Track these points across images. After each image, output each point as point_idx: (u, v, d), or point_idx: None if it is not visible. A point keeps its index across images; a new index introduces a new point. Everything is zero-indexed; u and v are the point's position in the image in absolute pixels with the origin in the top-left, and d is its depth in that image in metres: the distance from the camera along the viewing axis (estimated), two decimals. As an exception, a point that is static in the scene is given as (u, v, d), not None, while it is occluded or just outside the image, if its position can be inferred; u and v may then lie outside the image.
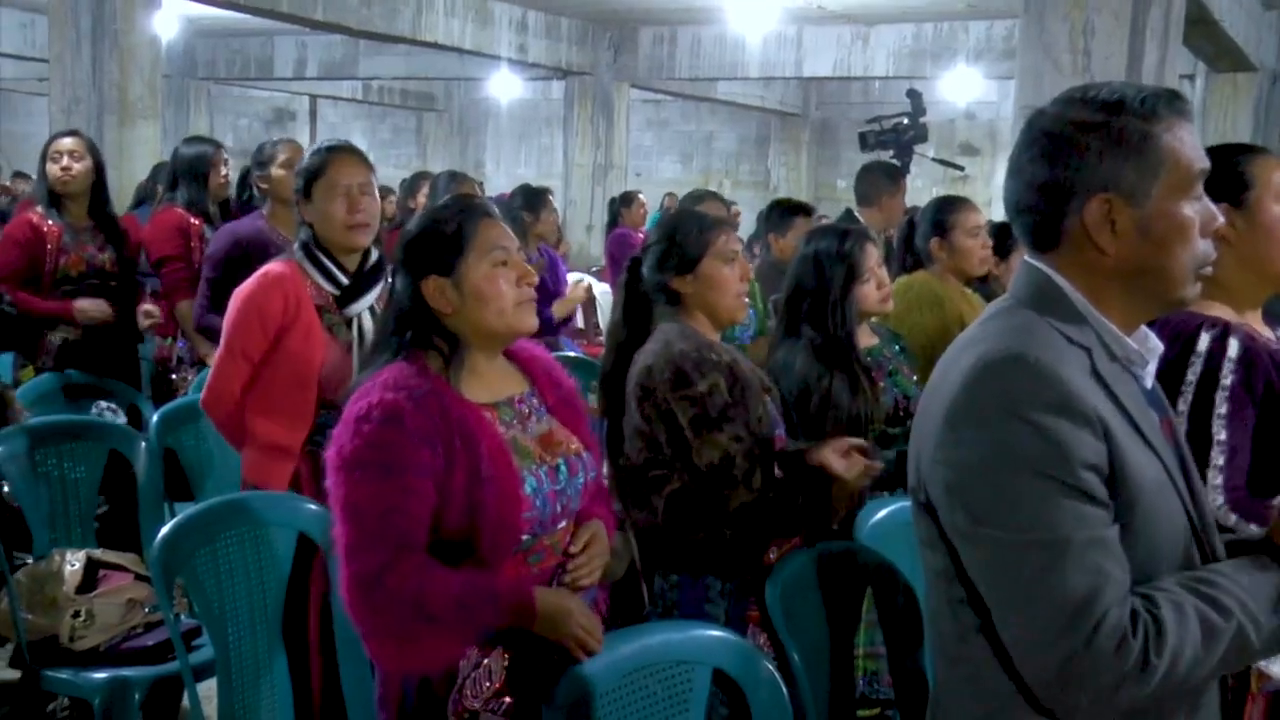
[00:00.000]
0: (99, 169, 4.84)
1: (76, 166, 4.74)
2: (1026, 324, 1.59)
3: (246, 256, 4.02)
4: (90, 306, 4.70)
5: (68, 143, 4.78)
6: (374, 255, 3.21)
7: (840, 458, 2.70)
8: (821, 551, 2.59)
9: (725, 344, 2.93)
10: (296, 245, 3.17)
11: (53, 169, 4.73)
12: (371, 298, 3.16)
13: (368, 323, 3.13)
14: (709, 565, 2.74)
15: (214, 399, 3.16)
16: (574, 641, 2.12)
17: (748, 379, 2.80)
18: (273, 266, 3.11)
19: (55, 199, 4.76)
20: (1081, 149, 1.57)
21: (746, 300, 2.92)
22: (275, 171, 4.45)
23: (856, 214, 5.59)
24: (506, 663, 2.13)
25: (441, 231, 2.17)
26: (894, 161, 6.16)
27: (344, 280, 3.13)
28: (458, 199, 2.29)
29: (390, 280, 2.24)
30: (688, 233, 2.86)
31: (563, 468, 2.20)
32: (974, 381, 1.54)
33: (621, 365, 2.84)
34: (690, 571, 2.75)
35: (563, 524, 2.21)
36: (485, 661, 2.12)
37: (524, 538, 2.12)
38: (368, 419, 2.01)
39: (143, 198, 6.65)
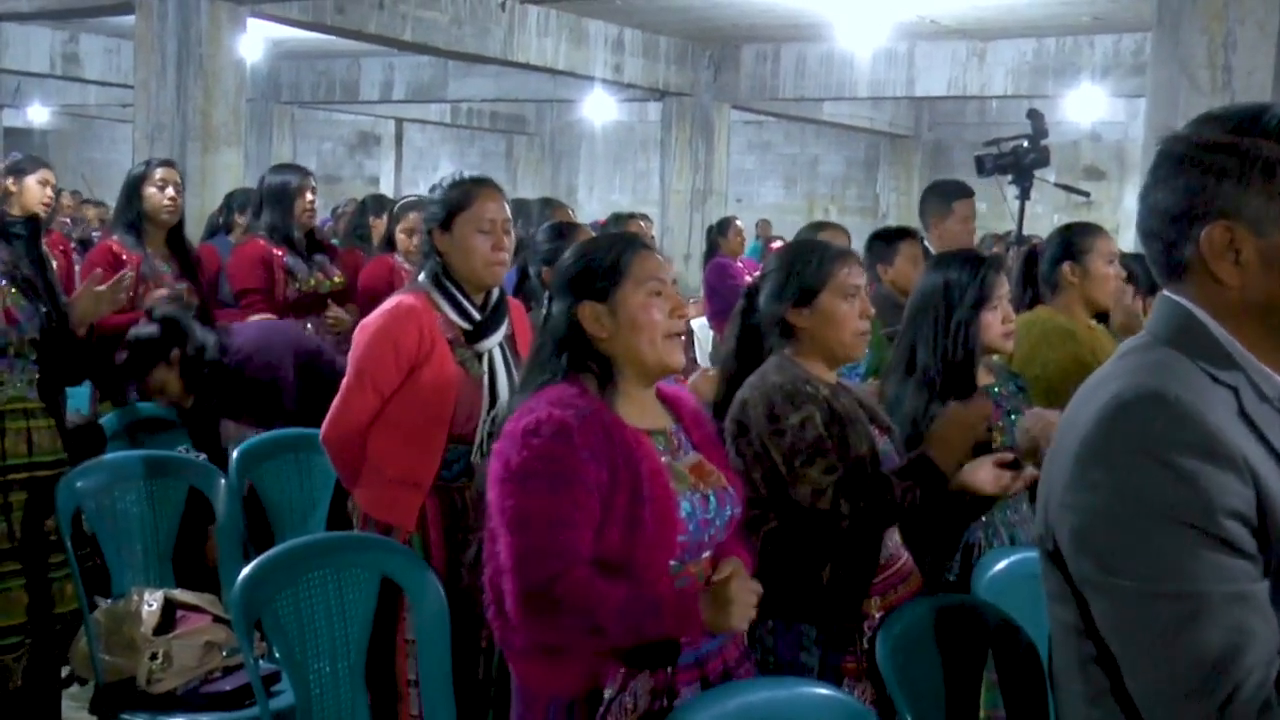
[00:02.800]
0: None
1: (180, 198, 4.92)
2: (1165, 360, 1.56)
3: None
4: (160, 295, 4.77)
5: (170, 172, 4.94)
6: (496, 291, 3.26)
7: (986, 474, 2.75)
8: (937, 605, 2.56)
9: (848, 383, 2.92)
10: (424, 276, 3.23)
11: (156, 196, 4.87)
12: (502, 333, 3.24)
13: (499, 359, 3.21)
14: (804, 611, 2.74)
15: (338, 431, 3.19)
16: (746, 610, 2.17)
17: (851, 415, 2.79)
18: (404, 298, 3.18)
19: (136, 227, 4.88)
20: (1203, 172, 1.54)
21: (866, 338, 2.89)
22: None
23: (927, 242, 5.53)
24: (652, 685, 2.22)
25: (601, 260, 2.31)
26: (955, 180, 6.04)
27: (476, 315, 3.20)
28: (617, 234, 2.48)
29: (547, 304, 2.36)
30: (807, 263, 2.86)
31: (713, 498, 2.30)
32: (1107, 421, 1.51)
33: (731, 398, 2.85)
34: (785, 618, 2.75)
35: (707, 554, 2.31)
36: (631, 684, 2.21)
37: (673, 563, 2.22)
38: (536, 433, 2.14)
39: (214, 228, 6.76)
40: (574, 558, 2.11)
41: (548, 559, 2.10)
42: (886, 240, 5.14)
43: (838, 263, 2.85)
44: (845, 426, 2.76)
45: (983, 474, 2.79)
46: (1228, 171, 1.53)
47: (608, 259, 2.31)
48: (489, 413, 3.14)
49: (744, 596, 2.15)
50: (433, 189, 3.30)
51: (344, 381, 3.19)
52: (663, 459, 2.27)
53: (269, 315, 4.99)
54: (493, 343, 3.22)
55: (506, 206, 3.25)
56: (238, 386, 4.25)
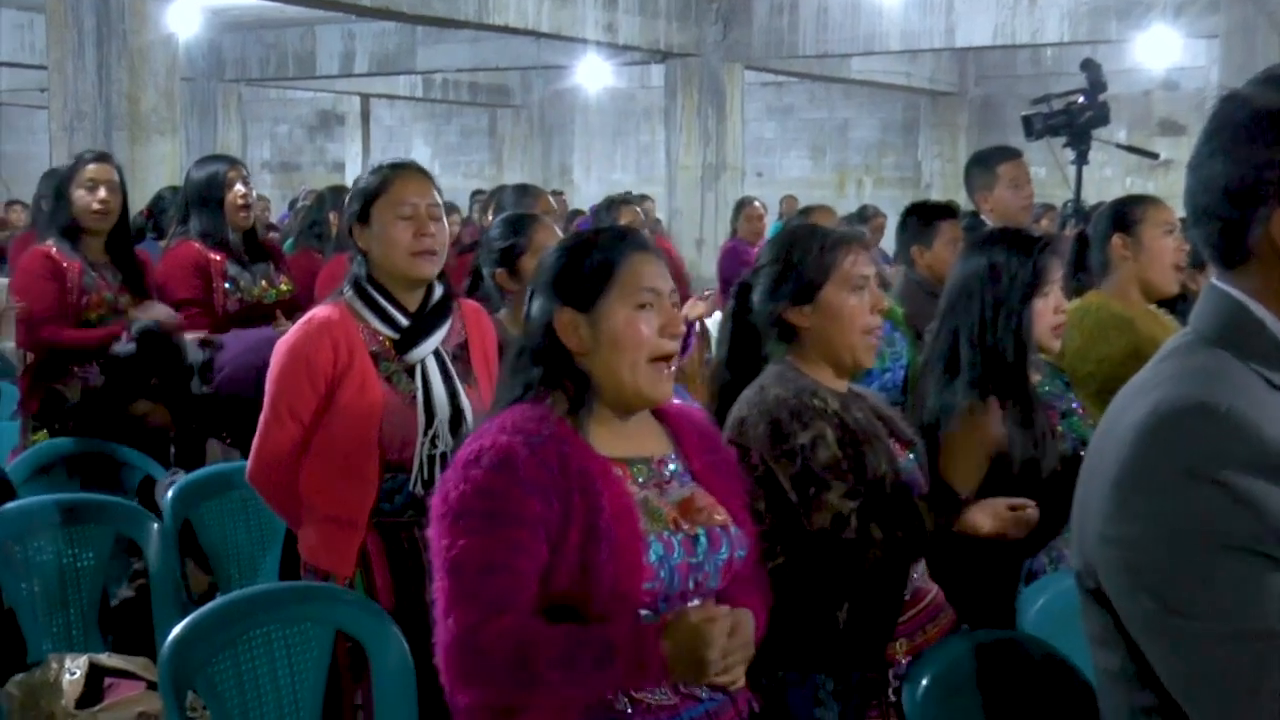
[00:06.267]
0: (124, 198, 4.99)
1: (114, 199, 4.89)
2: (1213, 364, 1.55)
3: None
4: (147, 313, 4.80)
5: (101, 169, 4.90)
6: (438, 290, 3.26)
7: (989, 518, 2.75)
8: (976, 643, 2.55)
9: (859, 389, 2.91)
10: (346, 284, 3.23)
11: (84, 198, 4.86)
12: (436, 340, 3.21)
13: (433, 370, 3.19)
14: (819, 659, 2.73)
15: (262, 468, 3.21)
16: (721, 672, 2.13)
17: (866, 430, 2.78)
18: (318, 311, 3.18)
19: (73, 231, 4.88)
20: (1272, 143, 1.53)
21: (878, 339, 2.88)
22: None
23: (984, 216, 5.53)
24: None
25: (586, 261, 2.28)
26: (1006, 146, 6.06)
27: (403, 321, 3.18)
28: (612, 230, 2.44)
29: (527, 305, 2.35)
30: (806, 252, 2.85)
31: (702, 539, 2.26)
32: (1146, 437, 1.51)
33: (725, 414, 2.84)
34: (798, 667, 2.74)
35: (694, 602, 2.25)
36: None
37: (644, 612, 2.19)
38: (477, 463, 2.14)
39: (140, 232, 6.67)
40: (505, 605, 2.10)
41: (474, 605, 2.10)
42: (923, 218, 5.11)
43: (841, 250, 2.84)
44: (861, 444, 2.75)
45: (980, 516, 2.80)
46: None
47: (594, 260, 2.28)
48: (426, 433, 3.13)
49: (717, 637, 2.08)
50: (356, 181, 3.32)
51: (262, 411, 3.19)
52: (639, 493, 2.24)
53: (202, 331, 4.98)
54: (425, 351, 3.19)
55: (436, 193, 3.24)
56: (219, 406, 4.28)
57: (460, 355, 3.26)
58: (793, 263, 2.85)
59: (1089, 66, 7.01)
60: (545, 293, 2.30)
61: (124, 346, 4.22)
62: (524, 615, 2.12)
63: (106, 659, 3.47)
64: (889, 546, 2.68)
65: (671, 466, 2.35)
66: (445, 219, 3.28)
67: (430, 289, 3.25)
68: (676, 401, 2.43)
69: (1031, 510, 2.81)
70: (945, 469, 2.87)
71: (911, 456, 2.91)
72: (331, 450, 3.12)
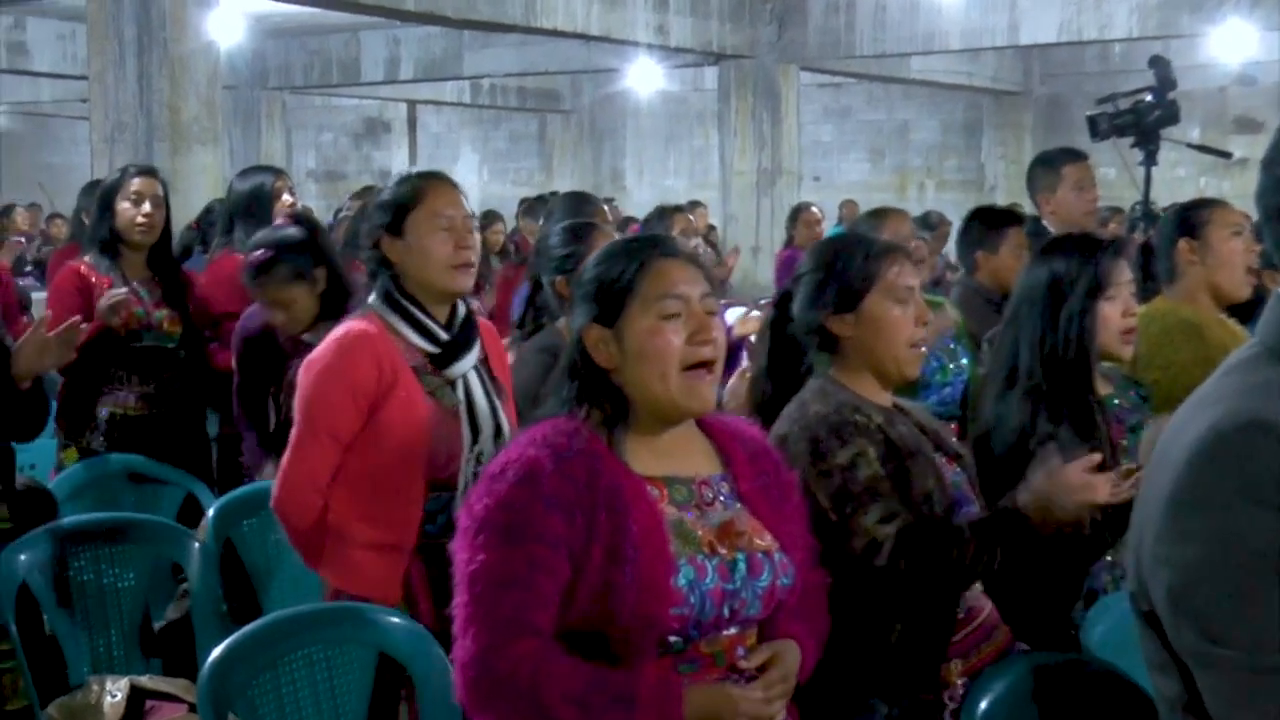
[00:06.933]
0: (168, 213, 5.04)
1: (158, 214, 4.94)
2: (1278, 380, 1.53)
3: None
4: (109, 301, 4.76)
5: (147, 183, 4.94)
6: (462, 308, 3.26)
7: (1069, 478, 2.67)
8: (1036, 664, 2.53)
9: (904, 402, 2.90)
10: (375, 296, 3.22)
11: (128, 212, 4.90)
12: (476, 352, 3.22)
13: (475, 384, 3.19)
14: (872, 683, 2.72)
15: (293, 494, 3.16)
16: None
17: (911, 445, 2.77)
18: (352, 324, 3.15)
19: (112, 245, 4.93)
20: None
21: (922, 350, 2.86)
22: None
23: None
24: None
25: (608, 273, 2.27)
26: (1071, 147, 6.03)
27: (442, 335, 3.18)
28: (636, 239, 2.45)
29: (573, 318, 2.35)
30: (849, 260, 2.85)
31: (741, 564, 2.23)
32: (1203, 456, 1.50)
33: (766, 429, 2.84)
34: (850, 692, 2.73)
35: (730, 630, 2.24)
36: None
37: (672, 639, 2.16)
38: (502, 477, 2.15)
39: (189, 247, 6.72)
40: (522, 625, 2.09)
41: (488, 625, 2.09)
42: (990, 224, 5.10)
43: (886, 260, 2.83)
44: (905, 460, 2.74)
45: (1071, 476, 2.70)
46: None
47: (615, 273, 2.26)
48: (473, 449, 3.13)
49: (747, 705, 2.11)
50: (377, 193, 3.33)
51: (293, 433, 3.17)
52: (673, 514, 2.22)
53: None
54: (466, 365, 3.19)
55: (466, 203, 3.24)
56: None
57: (488, 370, 3.27)
58: (835, 270, 2.85)
59: (1158, 63, 6.96)
60: (578, 307, 2.30)
61: (287, 231, 4.28)
62: (543, 638, 2.11)
63: (148, 681, 3.49)
64: (919, 578, 2.66)
65: (717, 488, 2.31)
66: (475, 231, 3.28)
67: (455, 304, 3.25)
68: (726, 419, 2.42)
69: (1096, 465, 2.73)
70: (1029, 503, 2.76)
71: (959, 470, 2.89)
72: (372, 471, 3.09)
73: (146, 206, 4.90)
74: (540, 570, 2.10)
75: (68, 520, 3.82)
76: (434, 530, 3.09)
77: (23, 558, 3.53)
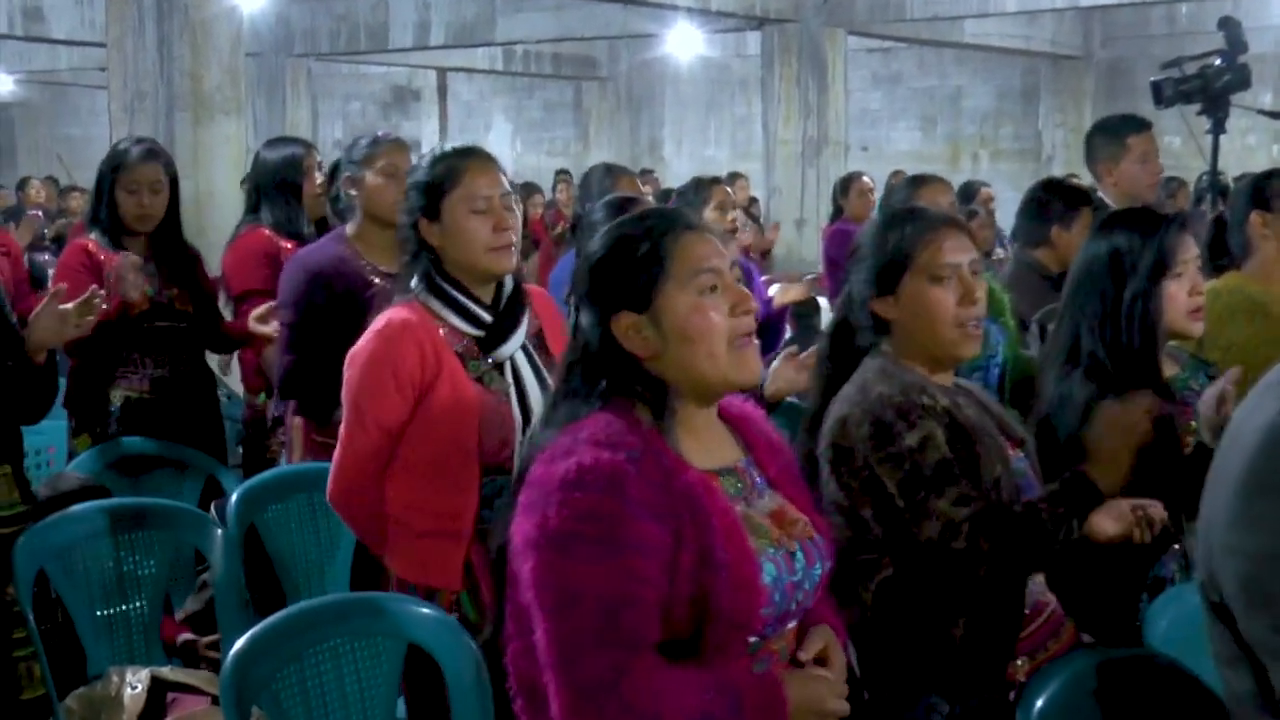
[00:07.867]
0: (174, 191, 5.04)
1: (157, 201, 4.94)
2: None
3: (334, 297, 4.10)
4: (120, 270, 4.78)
5: (145, 171, 4.94)
6: (509, 281, 3.28)
7: (1113, 521, 2.68)
8: (1099, 660, 2.53)
9: (965, 383, 2.88)
10: (416, 280, 3.24)
11: (128, 201, 4.92)
12: (522, 332, 3.25)
13: (524, 365, 3.22)
14: (934, 680, 2.71)
15: (348, 487, 3.23)
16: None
17: (977, 427, 2.76)
18: (394, 313, 3.18)
19: (116, 225, 4.95)
20: None
21: (978, 329, 2.82)
22: (370, 179, 4.36)
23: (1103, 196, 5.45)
24: None
25: (631, 253, 2.21)
26: (1135, 115, 5.96)
27: (486, 317, 3.20)
28: (650, 213, 2.37)
29: (573, 316, 2.30)
30: (888, 237, 2.83)
31: (799, 555, 2.24)
32: (1274, 440, 1.49)
33: (823, 414, 2.84)
34: (908, 688, 2.72)
35: (791, 624, 2.26)
36: None
37: (751, 639, 2.17)
38: (580, 484, 2.06)
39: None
40: (638, 644, 2.04)
41: (606, 648, 2.02)
42: (1067, 200, 5.05)
43: (926, 235, 2.80)
44: (974, 443, 2.72)
45: (1103, 519, 2.72)
46: None
47: (641, 252, 2.20)
48: (525, 433, 3.12)
49: (837, 687, 2.16)
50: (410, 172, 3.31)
51: (342, 426, 3.22)
52: (739, 509, 2.20)
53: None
54: (513, 347, 3.22)
55: (504, 179, 3.25)
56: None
57: (540, 344, 3.29)
58: (874, 249, 2.84)
59: (1227, 24, 6.89)
60: (595, 300, 2.23)
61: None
62: (656, 656, 2.06)
63: (169, 672, 3.52)
64: (1002, 559, 2.65)
65: (751, 474, 2.30)
66: (517, 210, 3.29)
67: (501, 282, 3.27)
68: (734, 402, 2.39)
69: (1156, 509, 2.74)
70: (1089, 472, 2.81)
71: (1022, 455, 2.89)
72: (425, 460, 3.14)
73: (144, 196, 4.89)
74: (643, 582, 2.05)
75: (85, 505, 3.82)
76: (491, 515, 3.11)
77: (41, 543, 3.55)
